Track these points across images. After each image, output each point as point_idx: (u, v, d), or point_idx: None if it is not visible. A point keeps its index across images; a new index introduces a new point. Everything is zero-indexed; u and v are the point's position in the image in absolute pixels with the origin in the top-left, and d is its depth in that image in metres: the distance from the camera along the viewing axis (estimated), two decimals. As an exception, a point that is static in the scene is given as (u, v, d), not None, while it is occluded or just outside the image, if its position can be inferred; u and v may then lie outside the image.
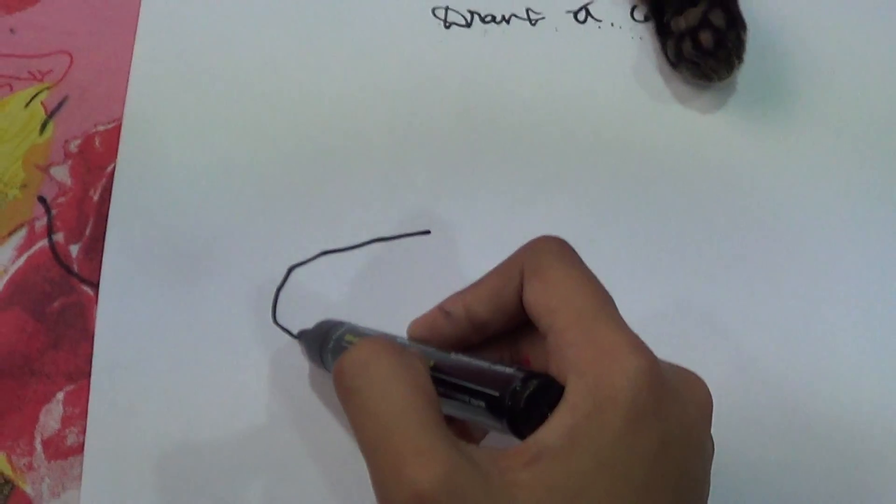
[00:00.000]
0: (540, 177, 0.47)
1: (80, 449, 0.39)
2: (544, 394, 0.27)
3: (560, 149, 0.48)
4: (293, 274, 0.43)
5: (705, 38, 0.47)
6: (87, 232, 0.45)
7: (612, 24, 0.53)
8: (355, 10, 0.53)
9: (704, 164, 0.47)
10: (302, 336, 0.40)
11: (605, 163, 0.47)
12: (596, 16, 0.53)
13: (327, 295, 0.43)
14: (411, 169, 0.47)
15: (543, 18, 0.53)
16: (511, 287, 0.30)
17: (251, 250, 0.44)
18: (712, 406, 0.29)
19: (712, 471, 0.29)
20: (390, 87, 0.50)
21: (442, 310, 0.33)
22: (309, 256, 0.44)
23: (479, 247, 0.44)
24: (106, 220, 0.45)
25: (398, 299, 0.42)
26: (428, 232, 0.45)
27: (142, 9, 0.52)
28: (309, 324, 0.40)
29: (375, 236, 0.45)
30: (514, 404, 0.27)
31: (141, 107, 0.48)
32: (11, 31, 0.52)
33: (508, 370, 0.28)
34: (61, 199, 0.46)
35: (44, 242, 0.44)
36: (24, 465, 0.39)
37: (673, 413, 0.26)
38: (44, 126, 0.48)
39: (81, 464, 0.38)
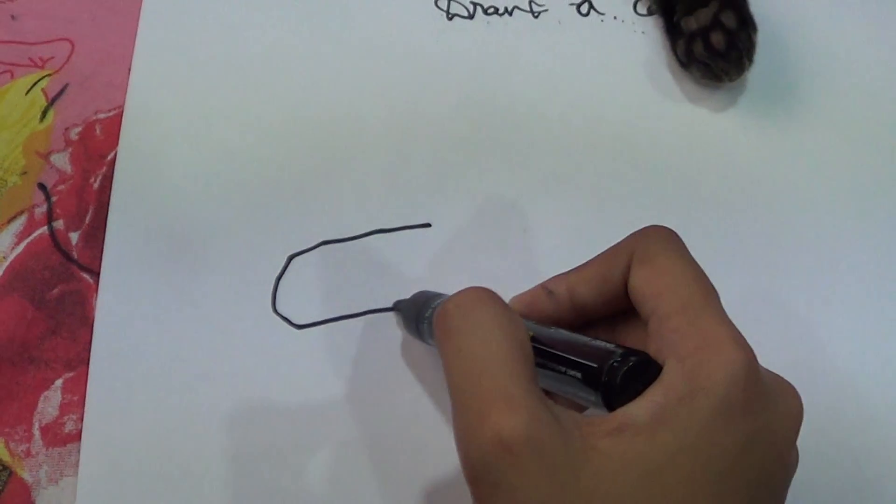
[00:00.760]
0: (543, 171, 0.47)
1: (78, 436, 0.39)
2: (642, 371, 0.27)
3: (563, 143, 0.48)
4: (293, 263, 0.43)
5: (717, 39, 0.47)
6: (87, 220, 0.45)
7: (615, 18, 0.53)
8: (358, 1, 0.53)
9: (713, 163, 0.47)
10: (397, 305, 0.41)
11: (610, 158, 0.47)
12: (599, 9, 0.53)
13: (327, 285, 0.43)
14: (413, 161, 0.47)
15: (546, 10, 0.53)
16: (617, 271, 0.31)
17: (251, 239, 0.44)
18: (802, 418, 0.29)
19: None
20: (392, 78, 0.50)
21: (545, 288, 0.34)
22: (309, 246, 0.44)
23: (480, 241, 0.44)
24: (106, 208, 0.45)
25: (397, 292, 0.42)
26: (429, 225, 0.45)
27: (144, -4, 0.52)
28: (308, 313, 0.40)
29: (376, 228, 0.44)
30: (612, 377, 0.27)
31: (142, 95, 0.48)
32: (13, 17, 0.52)
33: (609, 345, 0.29)
34: (61, 187, 0.46)
35: (44, 229, 0.44)
36: (23, 451, 0.39)
37: (763, 415, 0.27)
38: (44, 113, 0.48)
39: (79, 451, 0.38)
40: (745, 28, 0.47)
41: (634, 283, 0.30)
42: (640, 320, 0.30)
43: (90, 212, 0.45)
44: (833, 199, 0.47)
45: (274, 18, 0.52)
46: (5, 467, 0.38)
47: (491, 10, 0.52)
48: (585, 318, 0.33)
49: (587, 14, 0.53)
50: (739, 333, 0.27)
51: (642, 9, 0.53)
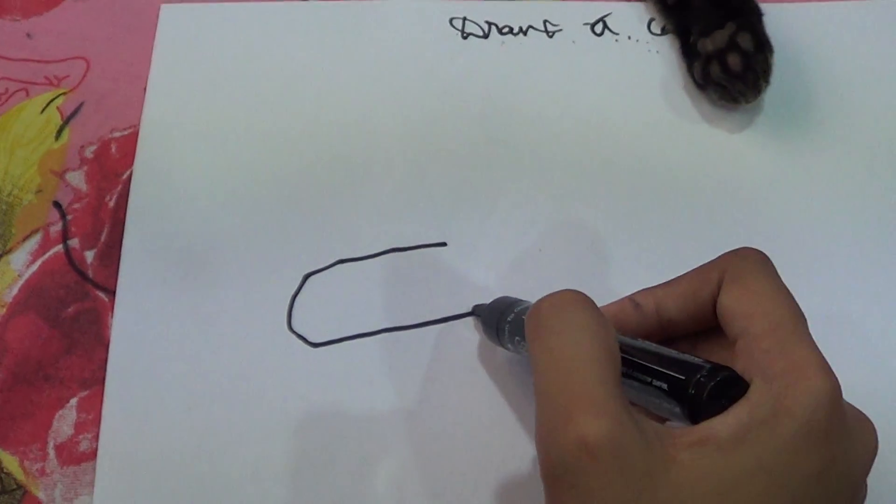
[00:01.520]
0: (558, 190, 0.47)
1: (93, 455, 0.39)
2: (729, 387, 0.28)
3: (578, 162, 0.48)
4: (309, 282, 0.43)
5: (734, 61, 0.46)
6: (103, 238, 0.45)
7: (629, 38, 0.53)
8: (373, 19, 0.53)
9: (730, 184, 0.47)
10: (476, 310, 0.41)
11: (626, 178, 0.47)
12: (613, 28, 0.53)
13: (342, 303, 0.43)
14: (428, 180, 0.47)
15: (560, 30, 0.53)
16: (707, 289, 0.31)
17: (267, 257, 0.44)
18: (876, 453, 0.29)
19: None
20: (408, 96, 0.50)
21: (632, 301, 0.34)
22: (325, 265, 0.44)
23: (496, 260, 0.44)
24: (121, 227, 0.45)
25: (413, 311, 0.42)
26: (444, 244, 0.45)
27: (160, 15, 0.52)
28: (323, 331, 0.40)
29: (392, 246, 0.44)
30: (699, 390, 0.28)
31: (158, 113, 0.48)
32: (28, 35, 0.52)
33: (697, 360, 0.29)
34: (76, 205, 0.46)
35: (59, 248, 0.44)
36: (37, 470, 0.39)
37: (841, 445, 0.27)
38: (60, 131, 0.48)
39: (94, 470, 0.38)
40: (761, 50, 0.47)
41: (725, 301, 0.30)
42: (720, 338, 0.31)
43: (105, 230, 0.45)
44: (850, 220, 0.46)
45: (289, 37, 0.52)
46: (20, 486, 0.38)
47: (506, 30, 0.53)
48: (668, 333, 0.33)
49: (601, 34, 0.53)
50: (826, 361, 0.28)
51: (656, 28, 0.53)
